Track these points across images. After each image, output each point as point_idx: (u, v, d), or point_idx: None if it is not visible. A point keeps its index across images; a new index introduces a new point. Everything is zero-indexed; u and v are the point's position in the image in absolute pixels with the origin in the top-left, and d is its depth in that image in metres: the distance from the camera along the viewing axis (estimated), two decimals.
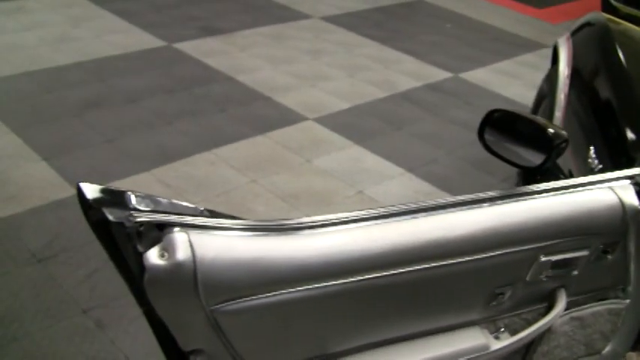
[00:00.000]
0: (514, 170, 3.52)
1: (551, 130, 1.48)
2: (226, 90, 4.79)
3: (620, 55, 2.69)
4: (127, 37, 5.55)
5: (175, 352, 1.13)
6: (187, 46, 5.49)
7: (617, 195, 1.45)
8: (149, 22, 5.84)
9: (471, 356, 1.43)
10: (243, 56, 5.43)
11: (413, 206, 1.25)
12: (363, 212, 1.20)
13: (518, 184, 3.11)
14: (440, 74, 5.52)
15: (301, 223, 1.15)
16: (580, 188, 1.44)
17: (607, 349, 1.74)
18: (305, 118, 4.45)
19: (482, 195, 1.33)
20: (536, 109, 3.49)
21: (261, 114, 4.47)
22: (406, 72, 5.48)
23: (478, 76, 5.58)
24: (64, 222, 3.14)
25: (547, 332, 1.59)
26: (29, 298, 2.70)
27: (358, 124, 4.45)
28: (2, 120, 4.02)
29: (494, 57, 6.07)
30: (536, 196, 1.38)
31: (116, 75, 4.85)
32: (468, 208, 1.30)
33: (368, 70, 5.42)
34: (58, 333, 2.55)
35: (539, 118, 1.61)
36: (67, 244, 3.00)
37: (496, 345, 1.46)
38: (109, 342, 2.53)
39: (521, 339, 1.49)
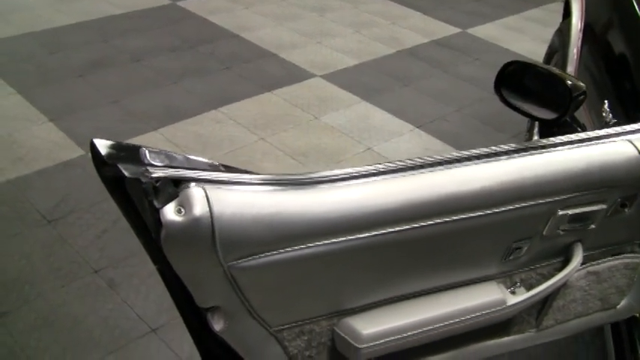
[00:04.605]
0: (524, 127, 3.49)
1: (569, 82, 1.44)
2: (232, 48, 4.73)
3: (635, 6, 2.63)
4: None
5: (191, 310, 1.12)
6: (191, 4, 5.42)
7: (636, 147, 1.42)
8: None
9: (488, 311, 1.42)
10: (247, 13, 5.36)
11: (430, 159, 1.23)
12: (380, 166, 1.18)
13: (527, 141, 3.08)
14: (447, 30, 5.44)
15: (319, 177, 1.13)
16: (598, 141, 1.41)
17: (622, 303, 1.73)
18: (312, 75, 4.40)
19: (499, 148, 1.30)
20: (547, 63, 3.44)
21: (268, 71, 4.43)
22: (413, 28, 5.40)
23: (486, 31, 5.51)
24: (72, 183, 3.13)
25: (563, 287, 1.58)
26: (40, 259, 2.71)
27: (366, 81, 4.41)
28: (7, 81, 4.00)
29: (502, 12, 5.98)
30: (554, 148, 1.35)
31: (120, 34, 4.79)
32: (486, 162, 1.27)
33: (374, 27, 5.35)
34: (70, 294, 2.56)
35: (557, 70, 1.57)
36: (76, 204, 3.00)
37: (512, 300, 1.45)
38: (121, 301, 2.54)
39: (537, 294, 1.48)
